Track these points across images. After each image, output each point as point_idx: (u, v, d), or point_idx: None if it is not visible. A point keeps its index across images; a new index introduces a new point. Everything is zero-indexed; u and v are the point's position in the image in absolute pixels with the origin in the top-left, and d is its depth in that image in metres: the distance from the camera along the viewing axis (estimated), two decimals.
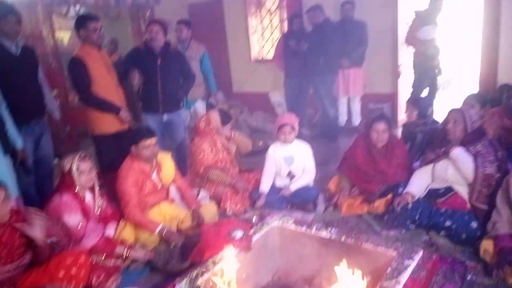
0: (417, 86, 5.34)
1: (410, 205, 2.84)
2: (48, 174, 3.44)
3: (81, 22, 3.32)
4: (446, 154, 2.77)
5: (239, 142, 3.84)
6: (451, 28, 7.64)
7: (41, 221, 2.23)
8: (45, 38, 5.51)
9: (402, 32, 5.57)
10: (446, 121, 2.79)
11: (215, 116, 3.62)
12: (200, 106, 4.72)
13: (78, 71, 3.29)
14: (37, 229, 2.19)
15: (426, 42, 5.07)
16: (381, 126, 3.17)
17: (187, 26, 4.53)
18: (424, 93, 5.41)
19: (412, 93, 5.35)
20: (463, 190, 2.77)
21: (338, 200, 3.29)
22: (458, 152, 2.70)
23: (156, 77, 3.72)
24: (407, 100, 3.84)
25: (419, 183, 2.94)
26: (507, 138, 3.38)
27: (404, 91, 5.93)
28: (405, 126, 3.82)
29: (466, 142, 2.69)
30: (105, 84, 3.39)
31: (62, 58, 5.67)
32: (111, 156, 3.35)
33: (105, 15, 6.15)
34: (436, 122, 3.59)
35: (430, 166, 2.92)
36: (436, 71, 5.27)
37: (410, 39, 5.27)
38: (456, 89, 7.93)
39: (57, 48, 5.73)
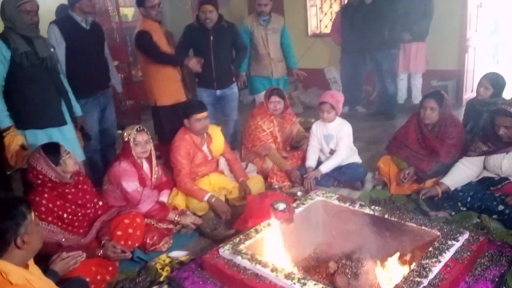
0: None
1: (438, 197, 2.79)
2: (112, 143, 3.73)
3: (140, 0, 3.49)
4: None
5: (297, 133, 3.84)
6: None
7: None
8: (111, 14, 5.85)
9: (472, 3, 5.16)
10: (495, 125, 2.61)
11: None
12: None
13: (146, 40, 3.49)
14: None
15: None
16: (429, 103, 2.99)
17: None
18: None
19: None
20: None
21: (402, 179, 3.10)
22: None
23: (210, 54, 3.82)
24: (484, 75, 3.34)
25: (460, 175, 2.80)
26: None
27: (472, 68, 5.56)
28: (470, 103, 3.48)
29: None
30: None
31: (126, 33, 6.00)
32: (170, 127, 3.52)
33: None
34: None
35: (480, 158, 2.77)
36: None
37: None
38: None
39: (121, 24, 6.07)
